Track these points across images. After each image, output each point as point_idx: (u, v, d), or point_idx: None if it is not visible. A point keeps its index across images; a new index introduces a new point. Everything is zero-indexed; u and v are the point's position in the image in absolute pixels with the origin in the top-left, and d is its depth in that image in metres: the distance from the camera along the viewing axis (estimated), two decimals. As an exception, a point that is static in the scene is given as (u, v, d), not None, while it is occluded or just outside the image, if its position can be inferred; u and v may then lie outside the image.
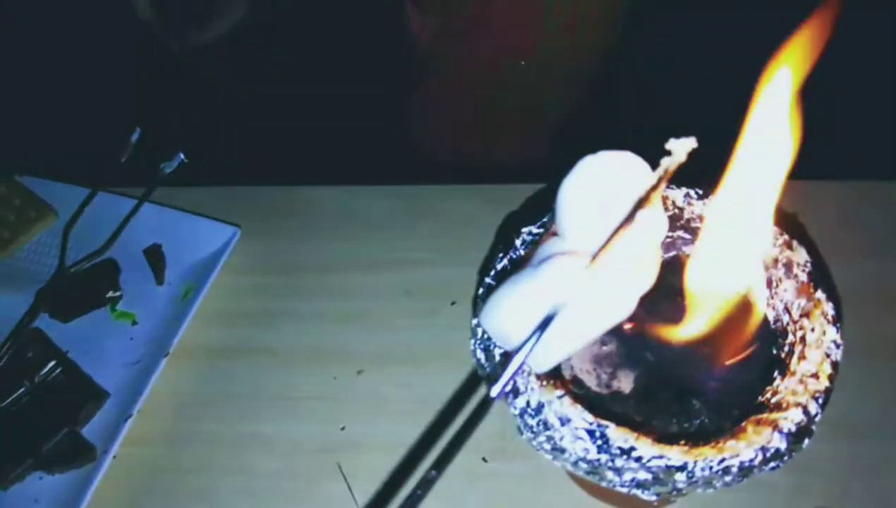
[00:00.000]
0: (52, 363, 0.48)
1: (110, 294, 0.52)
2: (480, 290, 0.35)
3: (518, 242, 0.36)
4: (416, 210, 0.55)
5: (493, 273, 0.35)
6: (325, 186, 0.58)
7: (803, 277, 0.33)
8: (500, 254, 0.36)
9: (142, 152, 0.57)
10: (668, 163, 0.25)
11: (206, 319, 0.50)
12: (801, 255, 0.33)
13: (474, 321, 0.34)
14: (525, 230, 0.36)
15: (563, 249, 0.27)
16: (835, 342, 0.31)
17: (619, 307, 0.27)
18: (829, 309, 0.31)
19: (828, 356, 0.30)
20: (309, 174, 0.60)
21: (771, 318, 0.33)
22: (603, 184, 0.27)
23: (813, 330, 0.31)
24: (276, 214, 0.57)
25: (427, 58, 0.76)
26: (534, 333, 0.25)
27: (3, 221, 0.53)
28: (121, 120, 0.59)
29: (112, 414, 0.47)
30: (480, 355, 0.33)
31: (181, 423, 0.47)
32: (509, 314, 0.27)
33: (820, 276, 0.33)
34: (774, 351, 0.32)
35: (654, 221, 0.27)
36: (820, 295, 0.32)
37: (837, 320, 0.31)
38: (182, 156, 0.57)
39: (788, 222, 0.34)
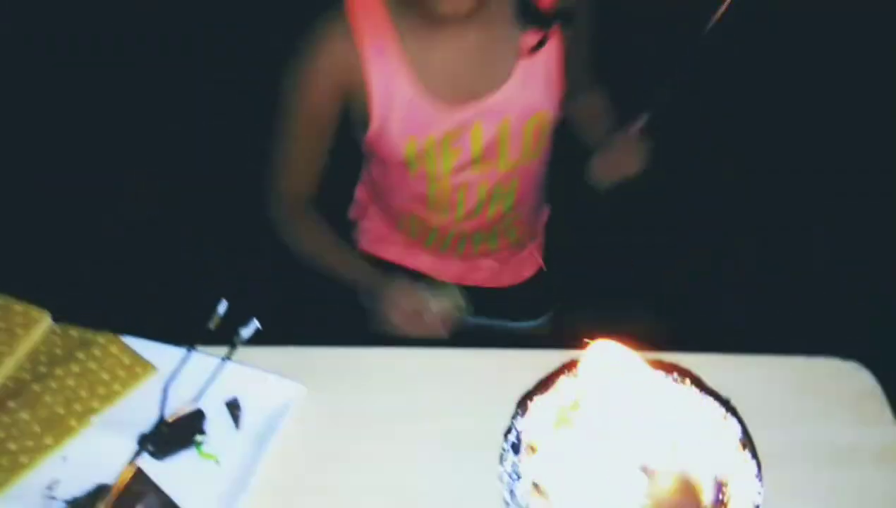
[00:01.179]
0: (150, 496, 0.60)
1: (198, 437, 0.64)
2: (503, 447, 0.48)
3: (531, 406, 0.49)
4: (447, 369, 0.70)
5: (513, 432, 0.49)
6: (373, 348, 0.72)
7: (734, 442, 0.46)
8: (519, 416, 0.49)
9: (225, 319, 0.72)
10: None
11: (278, 460, 0.63)
12: (733, 423, 0.47)
13: (500, 469, 0.47)
14: (536, 399, 0.49)
15: None
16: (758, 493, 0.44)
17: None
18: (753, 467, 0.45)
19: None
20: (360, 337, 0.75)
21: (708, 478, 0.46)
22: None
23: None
24: (335, 371, 0.70)
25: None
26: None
27: (113, 376, 0.66)
28: (210, 288, 0.74)
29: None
30: (507, 496, 0.46)
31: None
32: None
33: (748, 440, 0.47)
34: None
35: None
36: (748, 456, 0.46)
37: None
38: (256, 322, 0.72)
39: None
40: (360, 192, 1.10)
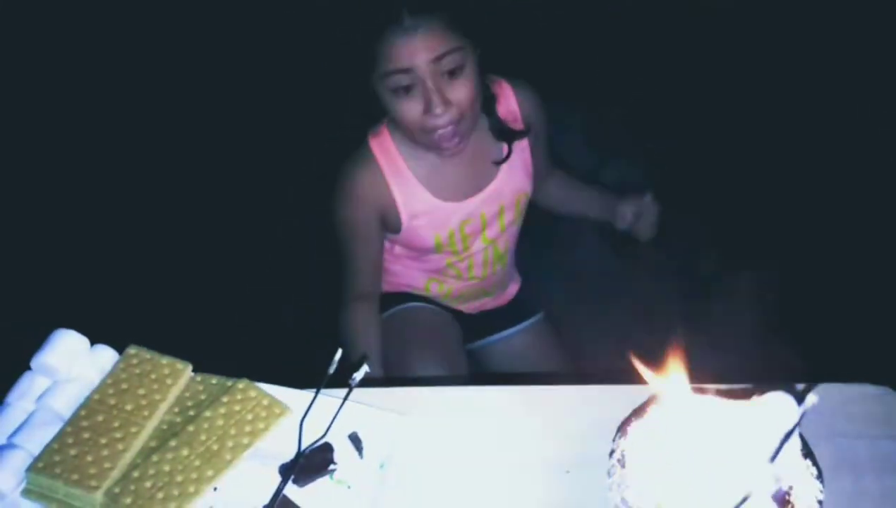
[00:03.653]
0: (297, 517, 0.71)
1: (330, 467, 0.76)
2: (611, 464, 0.60)
3: (630, 431, 0.61)
4: (538, 402, 0.81)
5: (617, 451, 0.60)
6: (469, 387, 0.84)
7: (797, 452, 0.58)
8: (621, 439, 0.61)
9: (341, 365, 0.84)
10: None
11: (399, 484, 0.74)
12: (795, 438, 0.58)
13: (609, 481, 0.58)
14: (635, 423, 0.61)
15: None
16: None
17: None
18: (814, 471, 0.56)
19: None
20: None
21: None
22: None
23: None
24: (438, 408, 0.82)
25: None
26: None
27: (256, 416, 0.78)
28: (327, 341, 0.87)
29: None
30: (619, 503, 0.57)
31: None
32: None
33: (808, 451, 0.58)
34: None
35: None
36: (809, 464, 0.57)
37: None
38: (367, 367, 0.84)
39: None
40: None
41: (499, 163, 1.18)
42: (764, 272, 1.89)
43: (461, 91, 1.03)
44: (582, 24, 2.41)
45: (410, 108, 1.04)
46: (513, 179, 1.21)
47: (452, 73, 1.02)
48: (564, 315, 1.47)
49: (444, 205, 1.17)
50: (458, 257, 1.25)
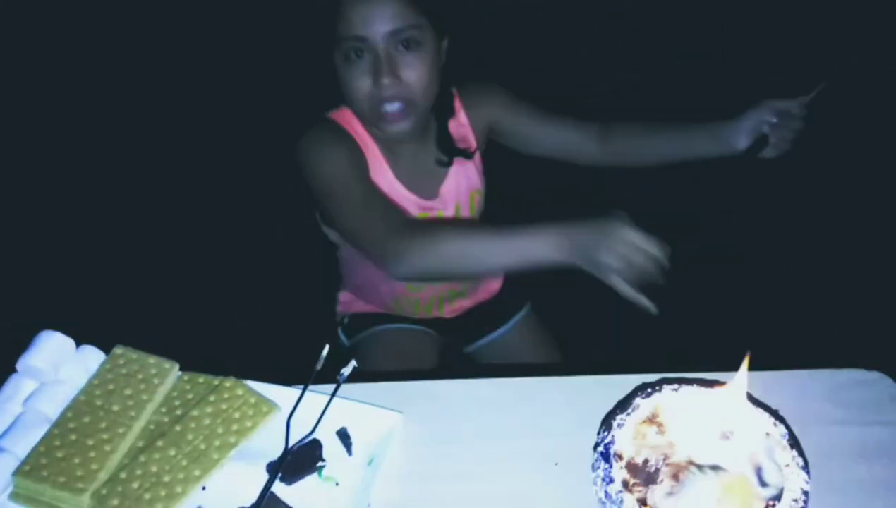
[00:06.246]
0: (285, 515, 0.71)
1: (318, 464, 0.75)
2: (595, 457, 0.59)
3: (615, 424, 0.60)
4: (524, 395, 0.81)
5: (601, 445, 0.60)
6: (459, 380, 0.83)
7: (783, 443, 0.57)
8: (605, 431, 0.60)
9: (328, 360, 0.84)
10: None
11: (387, 479, 0.74)
12: (781, 429, 0.58)
13: (593, 475, 0.58)
14: (619, 417, 0.60)
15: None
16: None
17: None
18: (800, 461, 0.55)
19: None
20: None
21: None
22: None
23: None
24: (426, 401, 0.81)
25: None
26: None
27: (243, 415, 0.78)
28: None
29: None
30: (602, 497, 0.57)
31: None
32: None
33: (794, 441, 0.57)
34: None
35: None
36: (795, 454, 0.56)
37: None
38: (354, 363, 0.83)
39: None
40: (343, 296, 1.36)
41: (443, 165, 1.15)
42: (751, 259, 1.89)
43: (414, 70, 0.98)
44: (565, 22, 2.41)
45: (360, 79, 0.98)
46: (464, 178, 1.17)
47: (408, 48, 0.97)
48: (550, 304, 1.45)
49: (405, 193, 1.12)
50: None
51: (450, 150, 1.14)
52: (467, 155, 1.15)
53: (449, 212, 1.17)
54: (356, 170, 1.02)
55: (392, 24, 0.95)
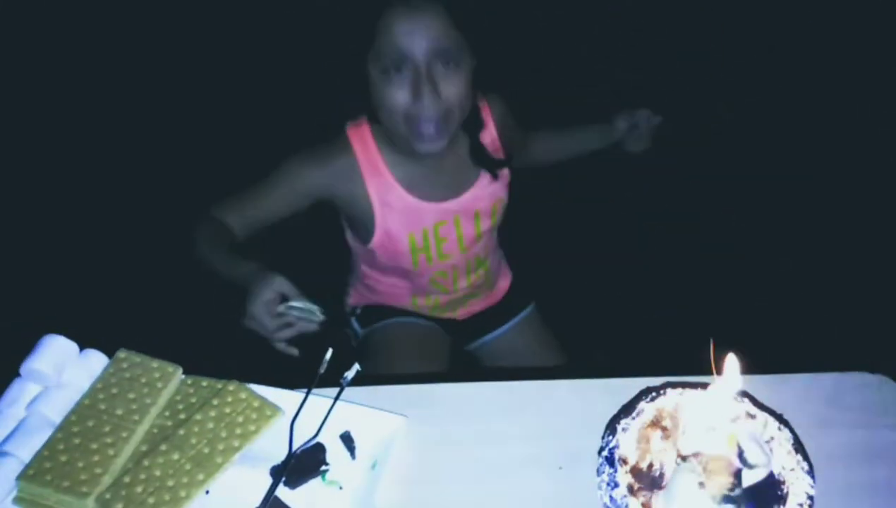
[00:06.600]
0: (289, 519, 0.71)
1: (322, 468, 0.75)
2: (600, 461, 0.59)
3: (619, 428, 0.60)
4: (529, 399, 0.81)
5: (605, 449, 0.60)
6: (463, 383, 0.83)
7: (788, 447, 0.57)
8: (609, 436, 0.60)
9: (331, 364, 0.84)
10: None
11: (391, 483, 0.74)
12: (786, 432, 0.58)
13: (598, 479, 0.58)
14: (623, 421, 0.60)
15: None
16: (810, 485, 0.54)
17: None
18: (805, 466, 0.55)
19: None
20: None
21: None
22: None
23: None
24: (429, 404, 0.81)
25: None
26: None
27: (247, 419, 0.78)
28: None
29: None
30: (607, 501, 0.57)
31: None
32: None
33: (799, 445, 0.57)
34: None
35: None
36: (800, 458, 0.56)
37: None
38: (358, 366, 0.83)
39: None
40: (355, 288, 1.37)
41: (472, 176, 1.17)
42: (755, 262, 1.89)
43: (453, 86, 0.99)
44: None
45: (398, 94, 0.98)
46: (491, 188, 1.19)
47: (447, 65, 0.98)
48: (556, 303, 1.46)
49: (419, 204, 1.13)
50: (441, 273, 1.23)
51: (485, 162, 1.16)
52: (503, 163, 1.17)
53: (467, 221, 1.18)
54: (287, 190, 1.11)
55: (436, 42, 0.95)
